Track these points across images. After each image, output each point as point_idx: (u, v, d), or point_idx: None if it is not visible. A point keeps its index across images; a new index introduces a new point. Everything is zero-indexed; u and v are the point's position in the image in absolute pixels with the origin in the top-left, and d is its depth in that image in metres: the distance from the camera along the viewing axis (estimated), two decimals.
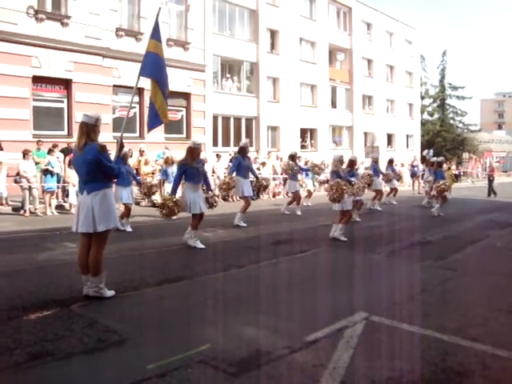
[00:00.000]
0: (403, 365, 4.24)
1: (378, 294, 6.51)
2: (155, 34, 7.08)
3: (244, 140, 14.34)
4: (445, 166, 19.36)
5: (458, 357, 4.42)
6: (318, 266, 8.46)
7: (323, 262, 8.76)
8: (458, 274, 7.75)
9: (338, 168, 10.86)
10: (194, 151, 9.55)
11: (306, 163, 19.80)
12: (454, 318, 5.47)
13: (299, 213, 15.29)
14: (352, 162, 12.94)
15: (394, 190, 19.37)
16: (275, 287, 6.75)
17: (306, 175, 19.05)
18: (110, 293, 6.00)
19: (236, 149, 13.32)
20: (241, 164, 12.61)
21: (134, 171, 13.83)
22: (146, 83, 7.10)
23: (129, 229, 11.62)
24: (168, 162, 14.26)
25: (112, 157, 6.39)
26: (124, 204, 11.90)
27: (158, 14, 7.38)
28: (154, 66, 6.90)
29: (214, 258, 8.60)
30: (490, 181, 25.13)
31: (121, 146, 6.42)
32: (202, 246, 9.43)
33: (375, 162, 17.25)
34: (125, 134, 7.64)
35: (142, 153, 17.63)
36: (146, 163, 17.43)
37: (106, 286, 5.97)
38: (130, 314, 5.53)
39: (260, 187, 13.82)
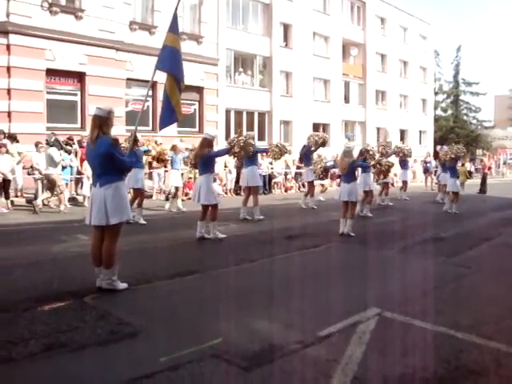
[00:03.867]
0: (416, 361, 4.22)
1: (390, 289, 6.49)
2: (173, 27, 7.02)
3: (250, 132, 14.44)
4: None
5: (473, 354, 4.39)
6: (331, 260, 8.44)
7: (336, 257, 8.74)
8: (471, 272, 7.70)
9: (353, 158, 10.96)
10: (212, 144, 9.81)
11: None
12: (467, 316, 5.43)
13: (314, 206, 15.37)
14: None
15: (404, 184, 19.48)
16: (288, 281, 6.74)
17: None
18: (123, 285, 6.02)
19: None
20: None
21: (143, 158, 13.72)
22: (158, 77, 7.06)
23: (142, 221, 11.61)
24: (175, 149, 14.26)
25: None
26: (134, 189, 11.90)
27: (176, 8, 7.32)
28: (171, 59, 6.85)
29: (227, 251, 8.61)
30: (483, 177, 25.11)
31: (135, 140, 6.41)
32: (223, 235, 9.69)
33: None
34: (138, 128, 7.64)
35: (159, 145, 17.69)
36: None
37: (118, 279, 5.99)
38: (143, 306, 5.55)
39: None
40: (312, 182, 15.92)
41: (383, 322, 5.13)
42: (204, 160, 9.73)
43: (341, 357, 4.21)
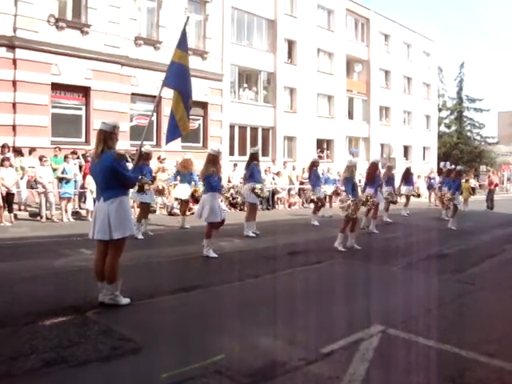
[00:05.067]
0: (420, 379, 4.19)
1: (394, 306, 6.45)
2: (182, 43, 7.07)
3: (255, 147, 14.47)
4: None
5: (476, 373, 4.35)
6: (334, 277, 8.41)
7: (339, 274, 8.69)
8: (475, 288, 7.65)
9: (353, 174, 10.78)
10: (217, 159, 9.71)
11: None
12: (471, 333, 5.39)
13: (316, 223, 15.27)
14: (375, 166, 13.08)
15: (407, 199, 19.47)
16: (291, 297, 6.71)
17: (328, 181, 19.04)
18: (126, 300, 6.00)
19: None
20: (256, 170, 12.64)
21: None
22: (164, 92, 7.09)
23: (140, 236, 11.52)
24: (187, 167, 13.88)
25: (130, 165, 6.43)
26: (142, 203, 11.91)
27: (185, 24, 7.37)
28: (178, 76, 6.89)
29: (230, 267, 8.59)
30: (489, 192, 25.12)
31: (140, 155, 6.42)
32: (215, 255, 9.41)
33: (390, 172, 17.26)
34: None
35: (162, 160, 17.75)
36: (163, 171, 17.50)
37: (121, 294, 5.97)
38: (145, 322, 5.52)
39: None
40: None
41: (387, 339, 5.10)
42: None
43: (344, 374, 4.17)
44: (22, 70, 17.51)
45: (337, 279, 8.21)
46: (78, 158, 16.76)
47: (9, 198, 13.75)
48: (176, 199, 14.54)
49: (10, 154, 15.15)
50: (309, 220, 15.58)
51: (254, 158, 12.87)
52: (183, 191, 13.90)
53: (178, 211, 15.79)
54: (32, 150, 16.03)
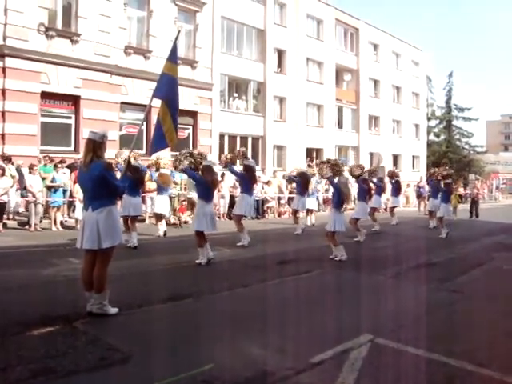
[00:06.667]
0: None
1: (383, 315, 6.45)
2: (172, 56, 7.11)
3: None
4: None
5: (465, 382, 4.36)
6: (323, 286, 8.40)
7: (328, 283, 8.70)
8: (464, 297, 7.69)
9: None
10: (212, 169, 10.01)
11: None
12: (460, 342, 5.40)
13: (299, 231, 15.30)
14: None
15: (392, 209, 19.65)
16: (280, 307, 6.70)
17: (312, 194, 18.85)
18: (114, 310, 5.97)
19: (241, 167, 13.38)
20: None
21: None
22: (154, 101, 7.11)
23: (134, 243, 11.49)
24: (168, 183, 13.53)
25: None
26: (129, 217, 11.79)
27: (176, 37, 7.41)
28: (167, 87, 6.93)
29: (220, 276, 8.57)
30: (475, 202, 25.29)
31: (128, 164, 6.40)
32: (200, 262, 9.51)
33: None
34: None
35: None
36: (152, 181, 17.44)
37: (109, 303, 5.94)
38: (134, 331, 5.49)
39: None
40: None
41: (376, 348, 5.09)
42: (210, 188, 9.80)
43: None
44: (11, 79, 17.43)
45: (326, 288, 8.22)
46: (68, 167, 16.67)
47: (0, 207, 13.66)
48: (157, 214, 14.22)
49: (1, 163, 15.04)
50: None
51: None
52: (164, 205, 13.80)
53: (172, 220, 15.68)
54: (9, 160, 15.76)
